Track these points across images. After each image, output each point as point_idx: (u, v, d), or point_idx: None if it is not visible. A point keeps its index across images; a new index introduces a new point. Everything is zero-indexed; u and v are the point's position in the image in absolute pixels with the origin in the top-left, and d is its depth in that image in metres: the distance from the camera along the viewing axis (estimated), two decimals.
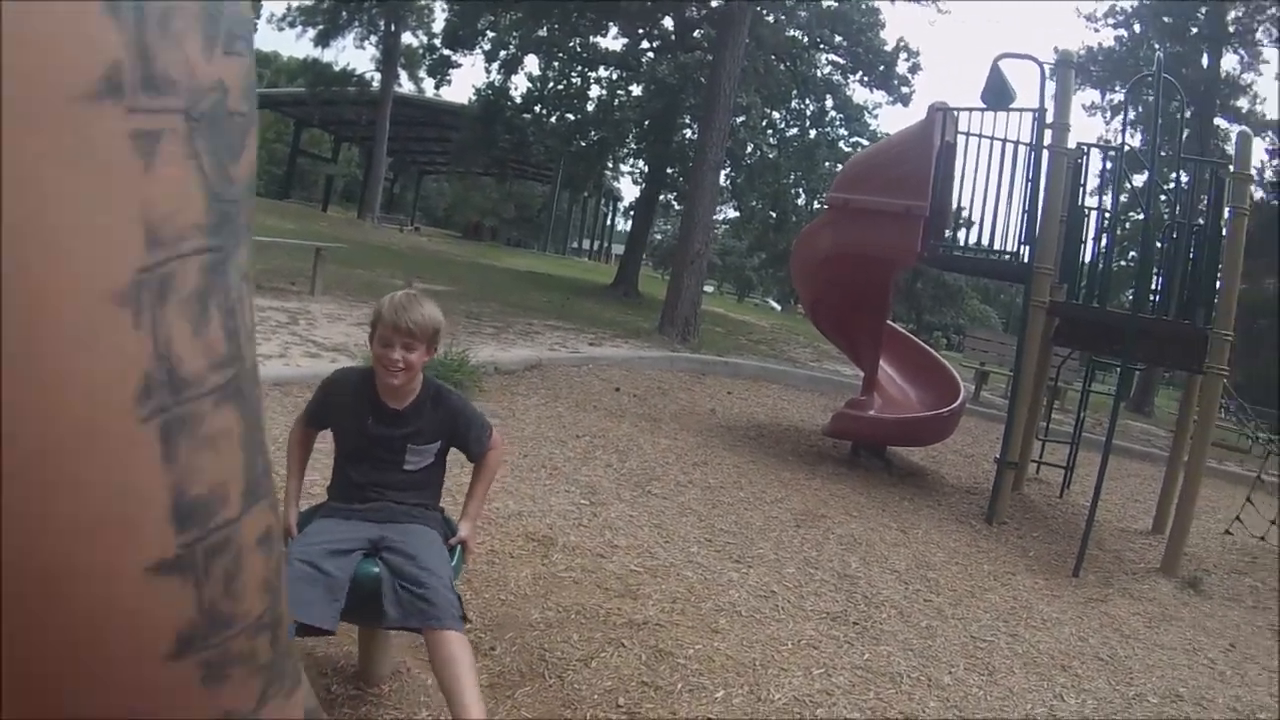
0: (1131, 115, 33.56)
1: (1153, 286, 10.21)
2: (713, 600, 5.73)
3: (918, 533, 8.44)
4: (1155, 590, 8.19)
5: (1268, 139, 36.63)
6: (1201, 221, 10.09)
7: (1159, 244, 10.40)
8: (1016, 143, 10.18)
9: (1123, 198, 11.41)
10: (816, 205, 33.98)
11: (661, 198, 33.86)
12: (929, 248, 10.20)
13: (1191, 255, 9.83)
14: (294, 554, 3.71)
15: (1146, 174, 10.37)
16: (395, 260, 24.92)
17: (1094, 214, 11.12)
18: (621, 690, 4.46)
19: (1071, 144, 9.80)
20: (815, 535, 7.67)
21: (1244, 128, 9.66)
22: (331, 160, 67.57)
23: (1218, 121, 36.04)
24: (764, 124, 30.37)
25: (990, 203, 10.38)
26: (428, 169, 74.95)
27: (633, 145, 32.87)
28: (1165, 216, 10.81)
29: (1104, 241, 10.69)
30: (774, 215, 32.57)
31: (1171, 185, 11.44)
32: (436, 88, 39.96)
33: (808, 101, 31.46)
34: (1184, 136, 16.76)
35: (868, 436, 11.05)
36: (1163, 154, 10.57)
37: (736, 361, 17.36)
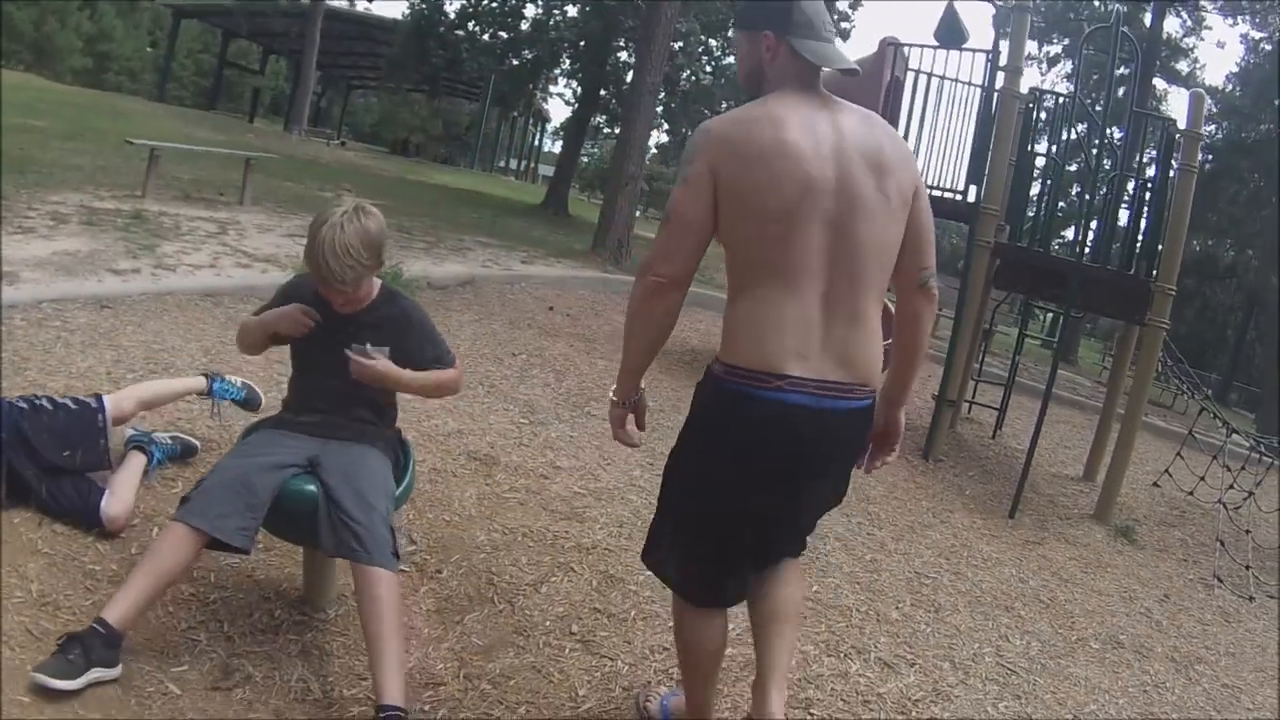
0: (1068, 68, 33.74)
1: (1087, 235, 10.21)
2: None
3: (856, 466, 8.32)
4: (1089, 536, 8.30)
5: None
6: (1146, 176, 10.06)
7: (1102, 194, 10.37)
8: (969, 83, 10.10)
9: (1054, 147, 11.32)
10: None
11: (593, 120, 33.50)
12: None
13: (1130, 209, 9.84)
14: (222, 463, 3.64)
15: (1094, 126, 10.26)
16: (323, 173, 24.38)
17: (1040, 159, 11.06)
18: (574, 616, 4.39)
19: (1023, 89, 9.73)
20: None
21: (1197, 89, 9.64)
22: (259, 72, 66.10)
23: (1155, 81, 36.30)
24: (700, 51, 30.08)
25: (935, 140, 10.32)
26: (356, 84, 73.60)
27: (566, 66, 32.38)
28: (1108, 168, 10.78)
29: (1046, 186, 10.62)
30: None
31: (1116, 139, 11.42)
32: (369, 1, 39.10)
33: None
34: (1135, 92, 16.76)
35: None
36: (1098, 108, 10.48)
37: None
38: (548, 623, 4.27)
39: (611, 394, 3.31)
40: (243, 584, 4.03)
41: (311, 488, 3.52)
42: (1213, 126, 39.36)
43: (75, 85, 47.65)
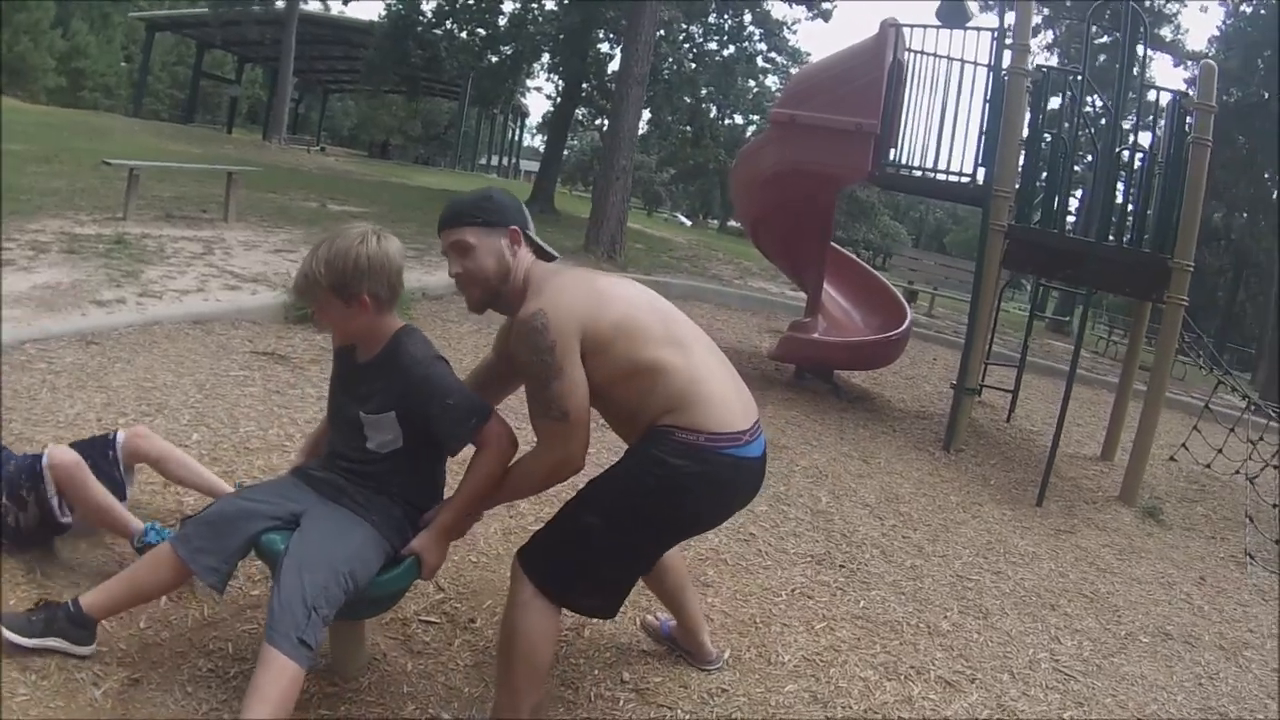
0: (1049, 38, 33.55)
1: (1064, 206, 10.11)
2: (694, 548, 5.43)
3: (879, 462, 8.27)
4: (1118, 520, 8.19)
5: (1188, 69, 36.67)
6: (1148, 150, 9.93)
7: (1095, 166, 10.25)
8: (974, 63, 9.93)
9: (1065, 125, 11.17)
10: (727, 122, 33.58)
11: (575, 114, 33.22)
12: (877, 167, 9.91)
13: (1133, 185, 9.74)
14: (225, 497, 3.64)
15: (1077, 99, 10.07)
16: (306, 182, 23.98)
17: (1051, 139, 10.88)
18: (623, 662, 4.17)
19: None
20: (779, 467, 7.42)
21: (1208, 60, 9.40)
22: (235, 82, 65.78)
23: (1138, 48, 36.05)
24: (682, 38, 29.85)
25: (939, 123, 10.17)
26: (333, 88, 73.52)
27: (546, 60, 32.14)
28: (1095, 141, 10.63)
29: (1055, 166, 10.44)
30: (688, 130, 32.09)
31: (1099, 109, 11.27)
32: (345, 3, 38.89)
33: (726, 16, 30.83)
34: (1141, 64, 16.43)
35: (816, 360, 10.80)
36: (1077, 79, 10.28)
37: (666, 280, 16.68)
38: (596, 671, 4.04)
39: (441, 529, 3.50)
40: None
41: (281, 545, 3.27)
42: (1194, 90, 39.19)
43: (50, 105, 47.36)
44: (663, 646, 4.27)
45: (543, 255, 3.54)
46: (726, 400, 3.31)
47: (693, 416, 3.22)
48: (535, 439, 3.32)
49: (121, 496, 4.25)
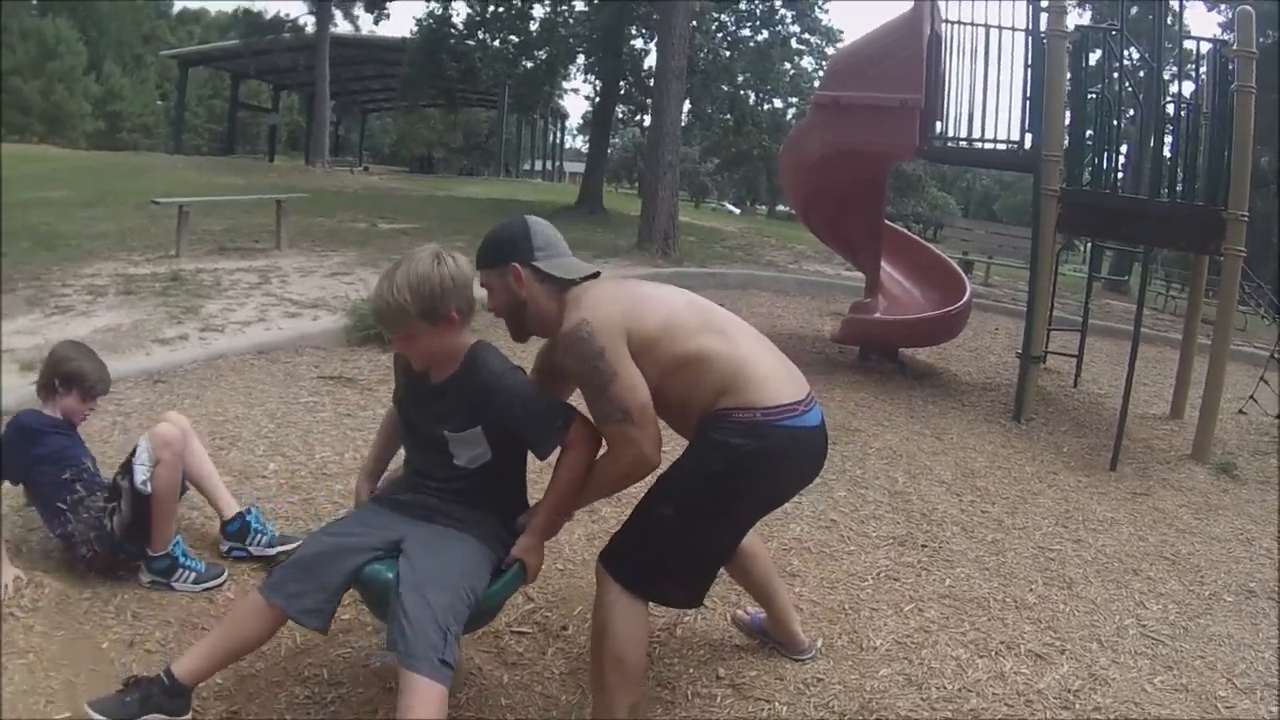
0: None
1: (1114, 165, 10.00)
2: (777, 538, 5.49)
3: (952, 438, 8.27)
4: (1192, 479, 8.13)
5: (1222, 14, 36.04)
6: (1187, 103, 9.85)
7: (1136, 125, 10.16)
8: (1012, 29, 9.88)
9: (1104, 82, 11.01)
10: (767, 107, 33.41)
11: (615, 112, 33.13)
12: (925, 141, 9.87)
13: (1180, 137, 9.67)
14: (314, 537, 3.55)
15: (1137, 54, 9.99)
16: (353, 203, 23.94)
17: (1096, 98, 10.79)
18: (718, 658, 4.18)
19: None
20: (854, 450, 7.46)
21: (1244, 5, 9.21)
22: (273, 110, 66.08)
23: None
24: (714, 27, 29.76)
25: (981, 92, 10.11)
26: (370, 107, 73.70)
27: (582, 61, 32.07)
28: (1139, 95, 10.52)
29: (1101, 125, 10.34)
30: (729, 118, 31.93)
31: (1166, 64, 11.14)
32: (375, 23, 38.97)
33: (756, 1, 30.68)
34: (1177, 16, 16.21)
35: (878, 340, 10.82)
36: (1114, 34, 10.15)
37: (721, 271, 16.81)
38: (692, 669, 4.06)
39: (538, 532, 3.51)
40: (359, 676, 3.79)
41: (389, 574, 3.25)
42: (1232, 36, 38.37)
43: (91, 150, 47.79)
44: (755, 640, 4.29)
45: (561, 280, 3.47)
46: (774, 376, 3.36)
47: (745, 395, 3.27)
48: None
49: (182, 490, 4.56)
